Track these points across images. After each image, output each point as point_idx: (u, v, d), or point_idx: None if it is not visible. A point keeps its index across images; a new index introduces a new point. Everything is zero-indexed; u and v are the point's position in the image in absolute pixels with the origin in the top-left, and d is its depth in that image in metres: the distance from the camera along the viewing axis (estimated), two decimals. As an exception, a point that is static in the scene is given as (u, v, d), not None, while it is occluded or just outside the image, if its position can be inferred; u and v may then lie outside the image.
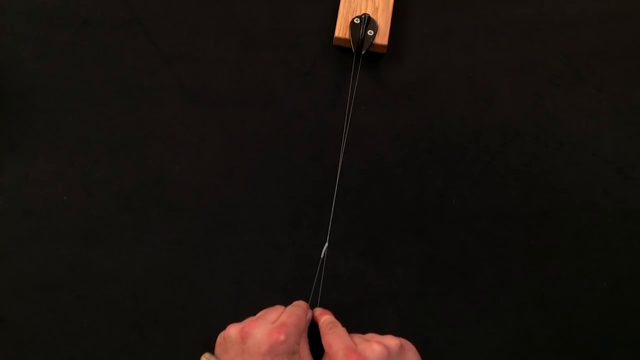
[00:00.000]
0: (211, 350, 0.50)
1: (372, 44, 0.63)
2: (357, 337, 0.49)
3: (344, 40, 0.64)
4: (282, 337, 0.45)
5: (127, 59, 0.64)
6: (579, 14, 0.69)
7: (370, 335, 0.50)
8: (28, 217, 0.58)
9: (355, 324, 0.56)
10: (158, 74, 0.64)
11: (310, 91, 0.65)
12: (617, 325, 0.57)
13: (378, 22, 0.64)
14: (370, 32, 0.63)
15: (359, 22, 0.63)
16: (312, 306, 0.55)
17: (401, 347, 0.47)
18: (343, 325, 0.52)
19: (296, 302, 0.54)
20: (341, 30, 0.64)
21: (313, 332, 0.53)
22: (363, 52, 0.63)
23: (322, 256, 0.55)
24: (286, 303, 0.54)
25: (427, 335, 0.56)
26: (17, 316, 0.55)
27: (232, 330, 0.48)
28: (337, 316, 0.56)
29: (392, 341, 0.47)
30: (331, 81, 0.65)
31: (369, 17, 0.63)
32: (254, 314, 0.53)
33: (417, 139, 0.63)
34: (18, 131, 0.61)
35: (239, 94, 0.64)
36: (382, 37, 0.64)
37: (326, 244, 0.57)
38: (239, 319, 0.51)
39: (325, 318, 0.52)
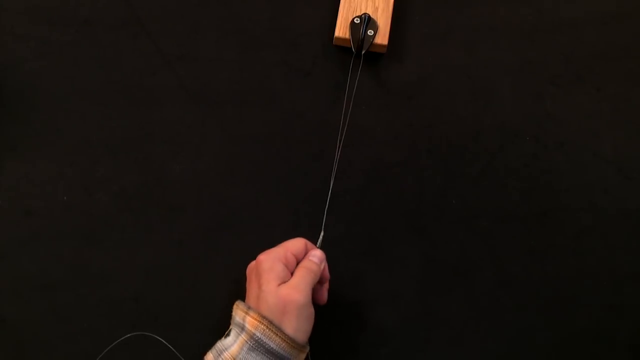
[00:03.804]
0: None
1: (372, 44, 0.63)
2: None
3: (344, 40, 0.64)
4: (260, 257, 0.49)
5: (127, 59, 0.64)
6: (579, 14, 0.69)
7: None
8: (28, 217, 0.58)
9: (355, 324, 0.56)
10: (158, 74, 0.64)
11: (310, 91, 0.65)
12: (617, 325, 0.57)
13: (378, 22, 0.64)
14: (370, 32, 0.63)
15: (359, 22, 0.63)
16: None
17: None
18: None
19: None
20: (341, 30, 0.64)
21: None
22: (363, 52, 0.63)
23: (318, 245, 0.55)
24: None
25: (427, 335, 0.56)
26: (17, 316, 0.55)
27: None
28: (337, 316, 0.56)
29: None
30: (331, 81, 0.65)
31: (369, 17, 0.63)
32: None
33: (417, 139, 0.63)
34: (18, 131, 0.61)
35: (239, 94, 0.64)
36: (382, 37, 0.64)
37: (322, 233, 0.56)
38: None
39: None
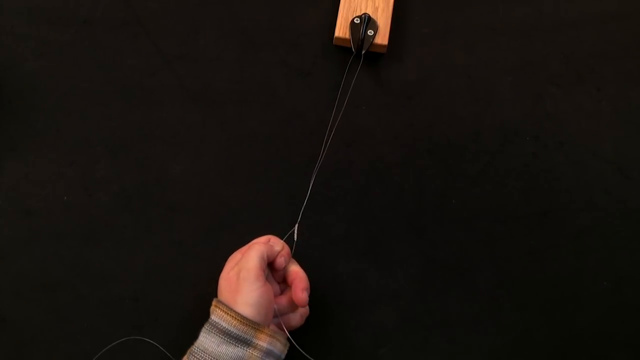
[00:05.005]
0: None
1: (372, 44, 0.63)
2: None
3: (344, 40, 0.64)
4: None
5: (127, 59, 0.64)
6: (579, 14, 0.69)
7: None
8: (28, 217, 0.58)
9: (355, 324, 0.56)
10: (158, 74, 0.64)
11: (310, 91, 0.65)
12: (617, 325, 0.57)
13: (378, 22, 0.64)
14: (370, 32, 0.63)
15: (359, 22, 0.63)
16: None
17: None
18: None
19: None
20: (341, 30, 0.64)
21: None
22: (363, 52, 0.63)
23: (294, 239, 0.56)
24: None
25: (427, 335, 0.56)
26: (17, 316, 0.55)
27: None
28: (337, 316, 0.56)
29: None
30: (331, 81, 0.65)
31: (369, 17, 0.63)
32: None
33: (417, 139, 0.63)
34: (18, 131, 0.61)
35: (238, 94, 0.64)
36: (382, 37, 0.64)
37: (296, 225, 0.57)
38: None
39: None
